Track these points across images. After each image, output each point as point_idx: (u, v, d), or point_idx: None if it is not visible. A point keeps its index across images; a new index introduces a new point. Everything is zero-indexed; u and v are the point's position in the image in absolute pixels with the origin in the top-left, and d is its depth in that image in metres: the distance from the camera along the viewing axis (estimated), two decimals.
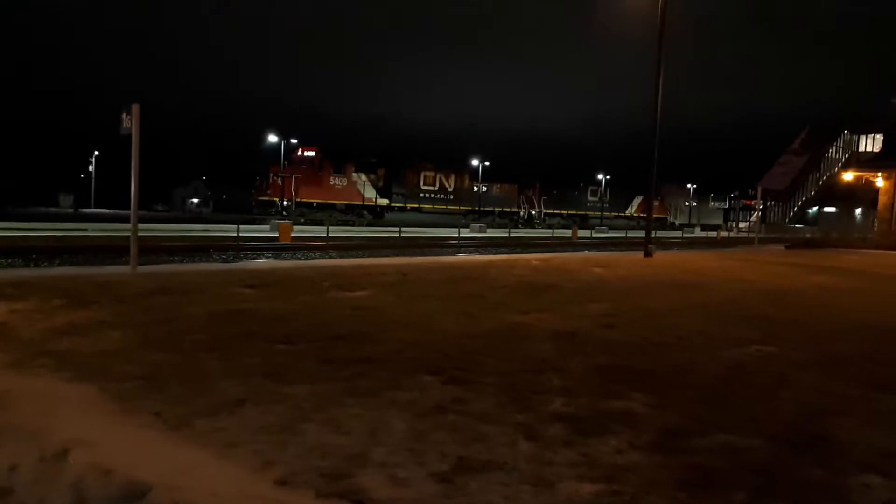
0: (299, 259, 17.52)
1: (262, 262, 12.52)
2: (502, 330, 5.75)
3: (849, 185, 52.38)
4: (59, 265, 14.93)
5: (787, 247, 33.59)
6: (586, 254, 19.35)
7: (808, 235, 45.06)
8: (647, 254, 17.94)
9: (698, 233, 63.28)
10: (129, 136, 10.15)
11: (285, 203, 38.07)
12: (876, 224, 41.86)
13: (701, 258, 18.23)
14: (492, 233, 38.99)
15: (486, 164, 52.01)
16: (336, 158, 41.10)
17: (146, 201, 70.95)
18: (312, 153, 40.40)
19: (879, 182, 35.69)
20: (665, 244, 35.98)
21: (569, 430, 3.32)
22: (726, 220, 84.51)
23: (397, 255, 17.66)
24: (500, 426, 3.31)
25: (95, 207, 61.90)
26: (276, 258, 17.90)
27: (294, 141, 45.93)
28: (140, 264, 10.83)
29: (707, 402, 3.93)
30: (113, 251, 19.81)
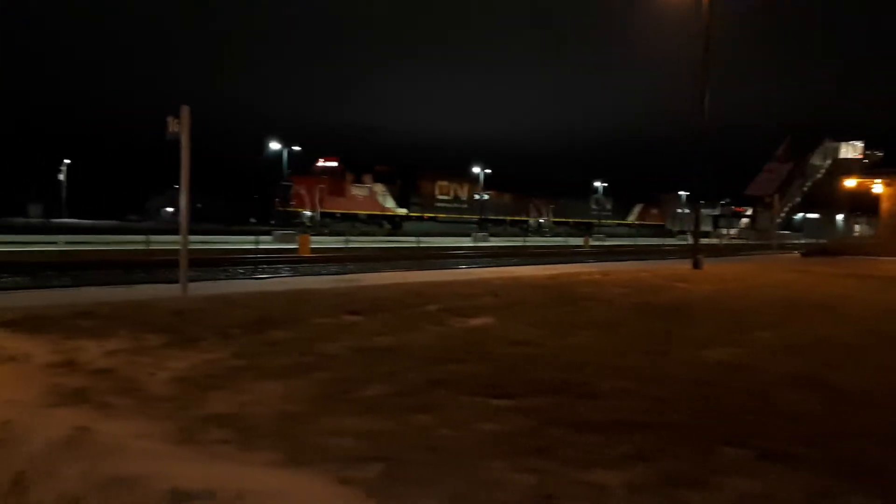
0: (341, 274, 16.49)
1: (323, 280, 11.55)
2: (715, 372, 4.85)
3: (838, 191, 52.73)
4: (78, 285, 13.65)
5: (802, 254, 33.15)
6: (634, 265, 18.60)
7: (823, 242, 45.19)
8: (697, 265, 17.17)
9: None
10: (175, 140, 9.33)
11: (308, 214, 36.97)
12: (876, 230, 41.94)
13: (753, 269, 17.51)
14: (499, 241, 38.18)
15: (488, 171, 51.25)
16: (354, 169, 40.28)
17: (121, 212, 68.47)
18: (335, 163, 39.59)
19: (878, 188, 35.49)
20: (670, 252, 35.24)
21: None
22: (715, 226, 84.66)
23: (444, 268, 16.73)
24: None
25: (68, 217, 59.53)
26: (316, 275, 16.85)
27: (297, 148, 44.82)
28: (170, 282, 9.84)
29: None
30: (120, 266, 18.67)
